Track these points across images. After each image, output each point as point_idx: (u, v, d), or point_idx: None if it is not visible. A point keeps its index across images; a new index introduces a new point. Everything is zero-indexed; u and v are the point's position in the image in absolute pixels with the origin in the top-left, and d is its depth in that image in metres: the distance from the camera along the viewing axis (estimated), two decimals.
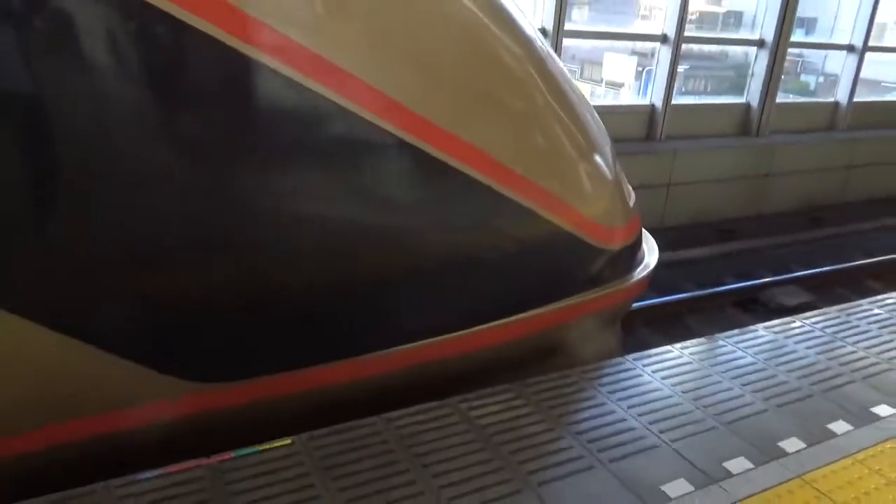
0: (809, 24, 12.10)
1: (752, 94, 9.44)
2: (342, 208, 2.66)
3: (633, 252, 3.99)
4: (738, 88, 9.69)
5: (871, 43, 10.34)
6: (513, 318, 3.35)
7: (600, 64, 11.62)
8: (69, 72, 2.06)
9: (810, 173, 9.98)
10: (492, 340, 3.30)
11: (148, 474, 2.30)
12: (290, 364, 2.70)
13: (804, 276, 7.74)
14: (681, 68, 8.68)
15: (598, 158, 3.57)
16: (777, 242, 8.79)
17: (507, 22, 3.07)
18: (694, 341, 3.65)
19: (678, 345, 3.58)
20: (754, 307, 7.18)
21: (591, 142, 3.53)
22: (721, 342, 3.61)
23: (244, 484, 2.31)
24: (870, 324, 3.90)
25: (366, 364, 2.88)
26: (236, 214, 2.42)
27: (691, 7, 8.19)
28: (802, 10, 9.27)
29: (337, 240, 2.66)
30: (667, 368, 3.29)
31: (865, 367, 3.39)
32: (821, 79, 14.16)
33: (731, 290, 7.32)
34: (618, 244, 3.75)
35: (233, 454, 2.43)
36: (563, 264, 3.54)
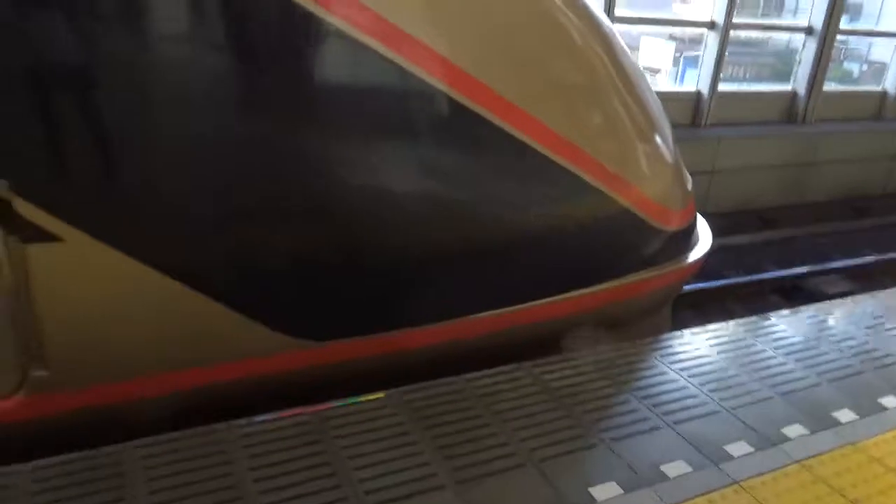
0: (854, 11, 11.94)
1: (798, 81, 9.44)
2: (440, 182, 2.91)
3: (688, 235, 4.17)
4: (779, 75, 9.69)
5: None
6: (577, 292, 3.57)
7: (637, 49, 11.64)
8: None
9: (855, 163, 9.96)
10: (558, 313, 3.53)
11: (263, 417, 2.58)
12: (389, 325, 2.96)
13: (846, 266, 7.80)
14: None
15: (660, 142, 3.75)
16: (819, 231, 8.84)
17: (580, 9, 3.25)
18: (746, 319, 3.83)
19: (731, 322, 3.77)
20: (796, 295, 7.28)
21: (655, 125, 3.70)
22: (773, 319, 3.78)
23: (346, 429, 2.58)
24: None
25: (452, 328, 3.14)
26: (349, 184, 2.69)
27: None
28: None
29: (433, 211, 2.91)
30: (722, 343, 3.49)
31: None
32: (864, 66, 13.96)
33: (772, 277, 7.42)
34: (676, 226, 3.94)
35: (333, 404, 2.70)
36: (626, 243, 3.73)
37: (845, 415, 2.95)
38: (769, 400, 3.02)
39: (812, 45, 9.20)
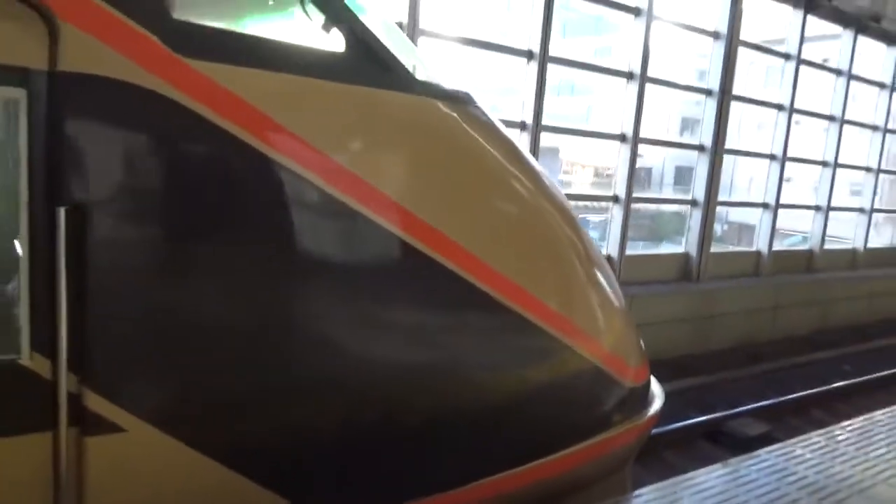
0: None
1: (689, 244, 10.71)
2: (435, 349, 3.15)
3: (647, 389, 4.59)
4: (656, 235, 10.97)
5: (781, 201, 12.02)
6: (558, 454, 3.79)
7: None
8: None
9: (743, 314, 11.15)
10: (548, 472, 3.71)
11: None
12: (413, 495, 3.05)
13: (757, 408, 8.52)
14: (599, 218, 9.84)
15: (616, 303, 4.22)
16: (726, 377, 9.67)
17: (556, 198, 3.79)
18: (703, 471, 4.18)
19: (697, 473, 4.12)
20: (722, 438, 7.82)
21: (611, 289, 4.19)
22: (720, 473, 4.14)
23: None
24: (847, 447, 4.58)
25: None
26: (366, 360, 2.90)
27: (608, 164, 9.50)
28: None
29: (422, 375, 3.10)
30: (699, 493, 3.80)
31: (858, 483, 4.01)
32: (725, 226, 16.09)
33: (697, 423, 7.96)
34: (640, 381, 4.35)
35: None
36: (598, 399, 4.06)
37: None
38: None
39: (697, 215, 10.58)
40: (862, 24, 12.60)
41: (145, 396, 2.41)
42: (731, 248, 12.37)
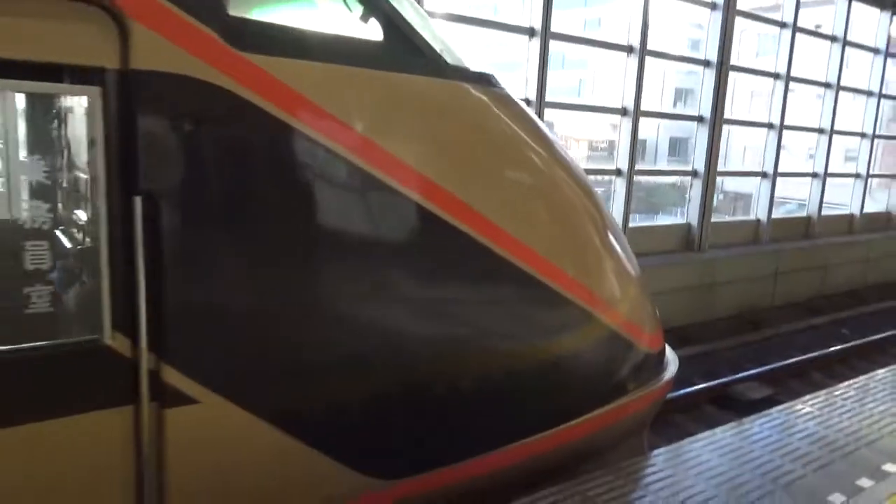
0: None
1: (690, 215, 10.90)
2: (469, 320, 3.35)
3: (663, 355, 4.80)
4: (653, 207, 11.08)
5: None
6: (581, 418, 4.00)
7: None
8: None
9: (744, 282, 11.38)
10: (572, 436, 3.92)
11: None
12: (448, 460, 3.26)
13: (761, 372, 8.78)
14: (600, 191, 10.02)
15: (633, 272, 4.41)
16: (728, 345, 9.93)
17: (573, 174, 3.96)
18: (717, 430, 4.40)
19: (711, 432, 4.35)
20: (728, 402, 8.09)
21: (629, 257, 4.38)
22: (733, 432, 4.36)
23: None
24: (853, 403, 4.81)
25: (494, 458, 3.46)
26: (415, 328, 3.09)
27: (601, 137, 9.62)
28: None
29: (457, 343, 3.31)
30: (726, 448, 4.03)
31: (865, 436, 4.24)
32: (720, 196, 16.29)
33: (702, 389, 8.22)
34: (656, 347, 4.56)
35: None
36: (619, 365, 4.27)
37: (837, 498, 3.52)
38: (772, 493, 3.54)
39: (698, 185, 10.75)
40: None
41: (216, 370, 2.59)
42: (730, 218, 12.55)
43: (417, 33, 2.98)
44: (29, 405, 2.30)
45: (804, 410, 4.71)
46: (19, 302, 2.25)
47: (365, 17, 2.88)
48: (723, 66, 10.60)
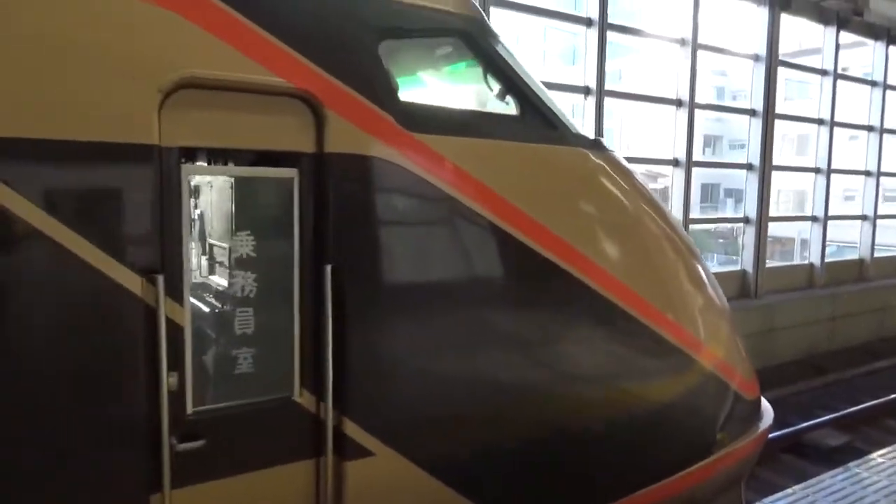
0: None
1: (745, 262, 10.97)
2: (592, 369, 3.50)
3: (759, 402, 4.86)
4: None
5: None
6: (692, 467, 4.06)
7: None
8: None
9: (803, 326, 11.33)
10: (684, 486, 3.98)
11: None
12: None
13: (833, 418, 8.68)
14: None
15: (726, 316, 4.51)
16: (794, 390, 9.84)
17: (676, 229, 4.15)
18: (825, 475, 4.42)
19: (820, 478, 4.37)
20: (805, 450, 8.00)
21: (721, 302, 4.49)
22: (827, 480, 4.37)
23: None
24: None
25: None
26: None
27: None
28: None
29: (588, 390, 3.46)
30: None
31: None
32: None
33: (777, 437, 8.13)
34: (753, 394, 4.63)
35: None
36: (721, 411, 4.34)
37: None
38: None
39: (750, 231, 10.86)
40: (892, 35, 12.94)
41: (389, 426, 2.77)
42: (784, 263, 12.56)
43: (548, 107, 3.24)
44: (232, 459, 2.50)
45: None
46: (230, 363, 2.48)
47: (501, 95, 3.16)
48: (768, 115, 10.83)
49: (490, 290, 3.04)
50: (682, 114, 9.93)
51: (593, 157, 3.46)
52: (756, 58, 10.86)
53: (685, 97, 9.84)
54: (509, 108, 3.16)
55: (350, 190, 2.60)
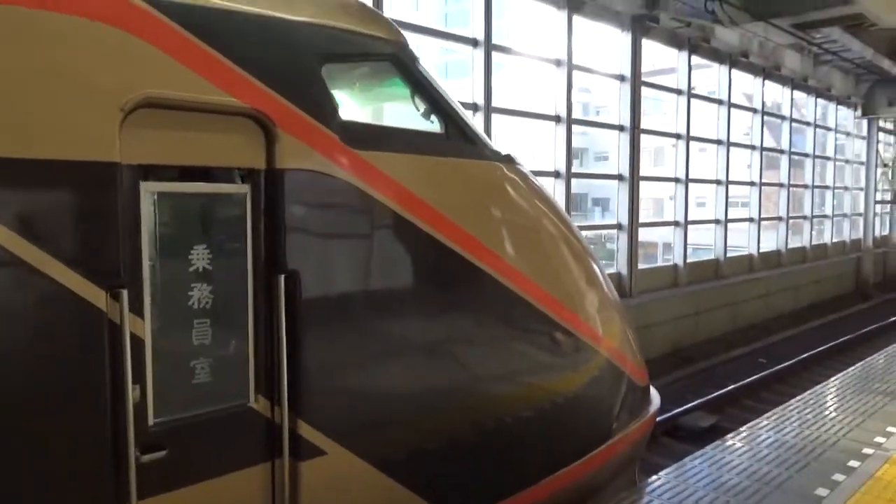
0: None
1: (619, 264, 11.91)
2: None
3: (648, 389, 5.41)
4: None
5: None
6: (598, 448, 4.49)
7: None
8: None
9: (671, 322, 12.46)
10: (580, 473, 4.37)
11: None
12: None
13: (703, 402, 9.65)
14: None
15: (621, 312, 5.00)
16: (670, 379, 10.82)
17: (575, 233, 4.59)
18: (708, 448, 5.01)
19: (702, 451, 4.95)
20: (679, 433, 8.84)
21: (617, 299, 4.98)
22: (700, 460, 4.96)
23: None
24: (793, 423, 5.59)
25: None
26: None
27: None
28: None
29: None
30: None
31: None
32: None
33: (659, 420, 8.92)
34: (644, 381, 5.17)
35: None
36: (618, 397, 4.81)
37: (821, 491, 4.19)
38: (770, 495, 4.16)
39: (623, 237, 11.82)
40: (733, 59, 14.60)
41: (341, 426, 2.93)
42: (651, 265, 13.73)
43: (468, 125, 3.55)
44: (193, 467, 2.56)
45: (771, 426, 5.42)
46: (188, 374, 2.55)
47: (426, 115, 3.43)
48: (635, 130, 11.87)
49: (423, 292, 3.28)
50: (561, 129, 10.68)
51: (506, 170, 3.80)
52: (622, 77, 11.87)
53: (563, 113, 10.60)
54: (434, 126, 3.43)
55: (299, 203, 2.75)
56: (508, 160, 3.88)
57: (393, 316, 3.13)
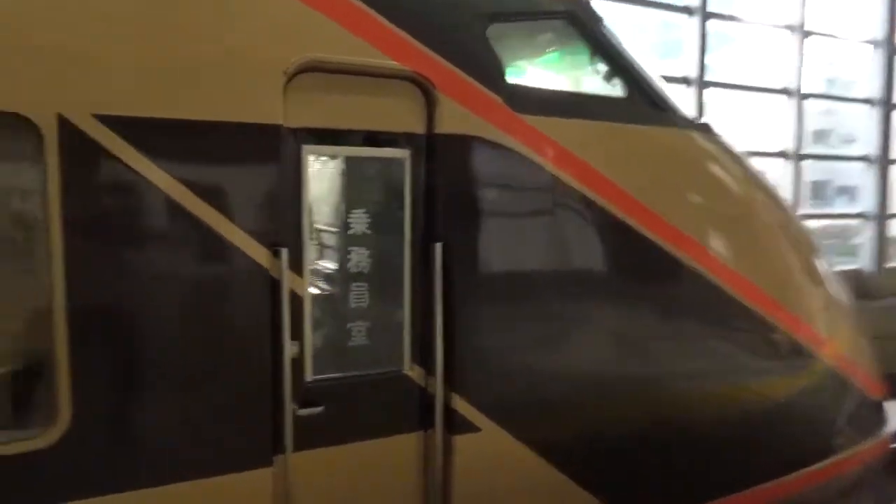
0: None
1: (862, 260, 10.30)
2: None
3: (882, 406, 4.55)
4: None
5: None
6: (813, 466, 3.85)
7: None
8: None
9: None
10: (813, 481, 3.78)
11: None
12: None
13: None
14: None
15: (850, 316, 4.25)
16: None
17: (788, 213, 3.99)
18: None
19: None
20: None
21: (845, 300, 4.24)
22: None
23: None
24: None
25: None
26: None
27: None
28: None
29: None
30: None
31: None
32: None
33: None
34: (878, 396, 4.35)
35: None
36: (851, 409, 4.09)
37: None
38: None
39: (869, 229, 10.19)
40: None
41: (498, 404, 2.82)
42: None
43: (656, 89, 3.20)
44: (348, 427, 2.62)
45: None
46: (345, 335, 2.61)
47: (608, 77, 3.14)
48: (888, 105, 10.13)
49: (597, 274, 3.03)
50: (791, 105, 9.46)
51: (700, 140, 3.37)
52: (875, 43, 10.19)
53: (792, 86, 9.37)
54: (615, 90, 3.13)
55: (459, 170, 2.67)
56: (704, 129, 3.45)
57: (557, 297, 2.93)
